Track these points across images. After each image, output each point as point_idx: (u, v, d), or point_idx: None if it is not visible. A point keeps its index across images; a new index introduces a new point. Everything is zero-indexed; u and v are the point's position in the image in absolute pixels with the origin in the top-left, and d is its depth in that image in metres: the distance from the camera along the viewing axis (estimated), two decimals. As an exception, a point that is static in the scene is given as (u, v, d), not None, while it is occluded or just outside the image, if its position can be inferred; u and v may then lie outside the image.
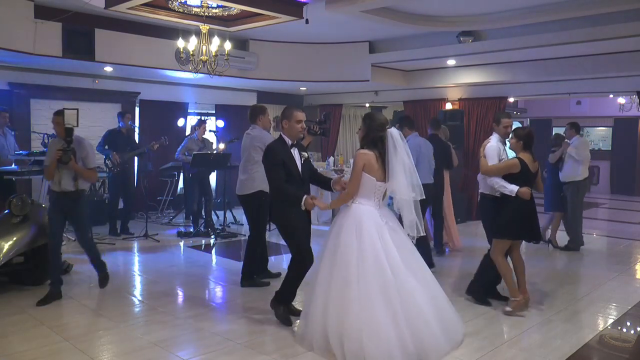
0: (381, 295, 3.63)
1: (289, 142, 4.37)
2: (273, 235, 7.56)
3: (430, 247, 6.60)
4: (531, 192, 4.79)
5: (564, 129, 8.03)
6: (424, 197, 4.10)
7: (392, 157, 3.89)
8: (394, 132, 3.95)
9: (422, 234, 4.06)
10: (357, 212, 3.89)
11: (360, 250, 3.74)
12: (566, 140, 7.66)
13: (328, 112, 7.19)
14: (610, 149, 16.21)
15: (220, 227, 8.50)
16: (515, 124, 17.02)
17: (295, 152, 4.37)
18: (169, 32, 7.78)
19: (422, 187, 4.06)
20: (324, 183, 4.51)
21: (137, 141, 8.77)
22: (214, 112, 11.35)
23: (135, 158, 8.90)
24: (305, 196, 4.16)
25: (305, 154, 4.46)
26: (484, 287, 5.13)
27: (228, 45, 6.50)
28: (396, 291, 3.65)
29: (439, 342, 3.75)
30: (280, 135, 4.43)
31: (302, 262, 4.32)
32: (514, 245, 4.94)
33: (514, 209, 4.74)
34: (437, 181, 7.10)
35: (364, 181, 3.90)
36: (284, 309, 4.46)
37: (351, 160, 4.56)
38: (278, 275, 5.70)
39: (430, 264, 6.30)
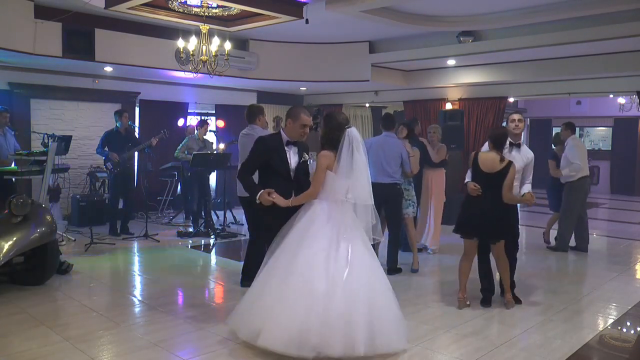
0: (303, 285, 3.64)
1: (286, 139, 4.27)
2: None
3: (397, 251, 6.30)
4: (490, 192, 4.66)
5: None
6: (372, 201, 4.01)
7: (349, 156, 3.87)
8: (353, 132, 3.94)
9: (379, 239, 4.06)
10: (316, 208, 3.90)
11: (307, 244, 3.75)
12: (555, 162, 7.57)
13: (320, 108, 7.05)
14: (610, 149, 16.21)
15: (220, 227, 8.50)
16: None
17: (291, 150, 4.27)
18: (169, 32, 7.79)
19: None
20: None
21: (137, 138, 8.74)
22: (214, 112, 11.35)
23: (136, 158, 8.90)
24: (261, 190, 4.06)
25: (307, 156, 4.34)
26: (489, 292, 5.06)
27: (228, 45, 6.50)
28: (325, 285, 3.62)
29: (353, 344, 3.56)
30: (280, 130, 4.35)
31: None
32: (493, 244, 4.88)
33: (463, 203, 4.88)
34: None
35: (328, 180, 3.90)
36: None
37: (312, 160, 4.44)
38: None
39: (396, 269, 6.18)
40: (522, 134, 5.18)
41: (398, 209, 6.21)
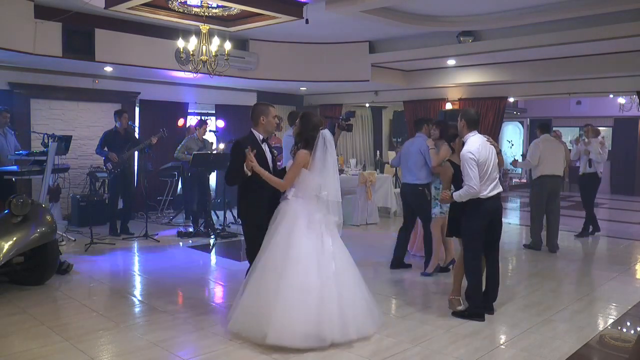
0: (301, 285, 3.85)
1: (260, 137, 4.35)
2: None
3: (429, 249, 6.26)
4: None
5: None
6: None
7: (322, 156, 4.11)
8: (326, 133, 4.18)
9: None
10: (296, 207, 4.09)
11: (289, 244, 3.94)
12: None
13: (351, 110, 6.97)
14: (610, 149, 16.18)
15: (220, 227, 8.50)
16: (514, 125, 17.09)
17: (265, 147, 4.36)
18: (169, 32, 7.79)
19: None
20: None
21: (137, 138, 8.73)
22: (214, 112, 11.35)
23: (136, 158, 8.89)
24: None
25: (275, 152, 4.49)
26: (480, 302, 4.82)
27: (228, 45, 6.50)
28: (318, 280, 3.89)
29: (348, 329, 3.93)
30: (251, 131, 4.39)
31: None
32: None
33: None
34: None
35: (304, 177, 4.11)
36: None
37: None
38: None
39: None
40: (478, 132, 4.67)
41: (420, 210, 6.20)
